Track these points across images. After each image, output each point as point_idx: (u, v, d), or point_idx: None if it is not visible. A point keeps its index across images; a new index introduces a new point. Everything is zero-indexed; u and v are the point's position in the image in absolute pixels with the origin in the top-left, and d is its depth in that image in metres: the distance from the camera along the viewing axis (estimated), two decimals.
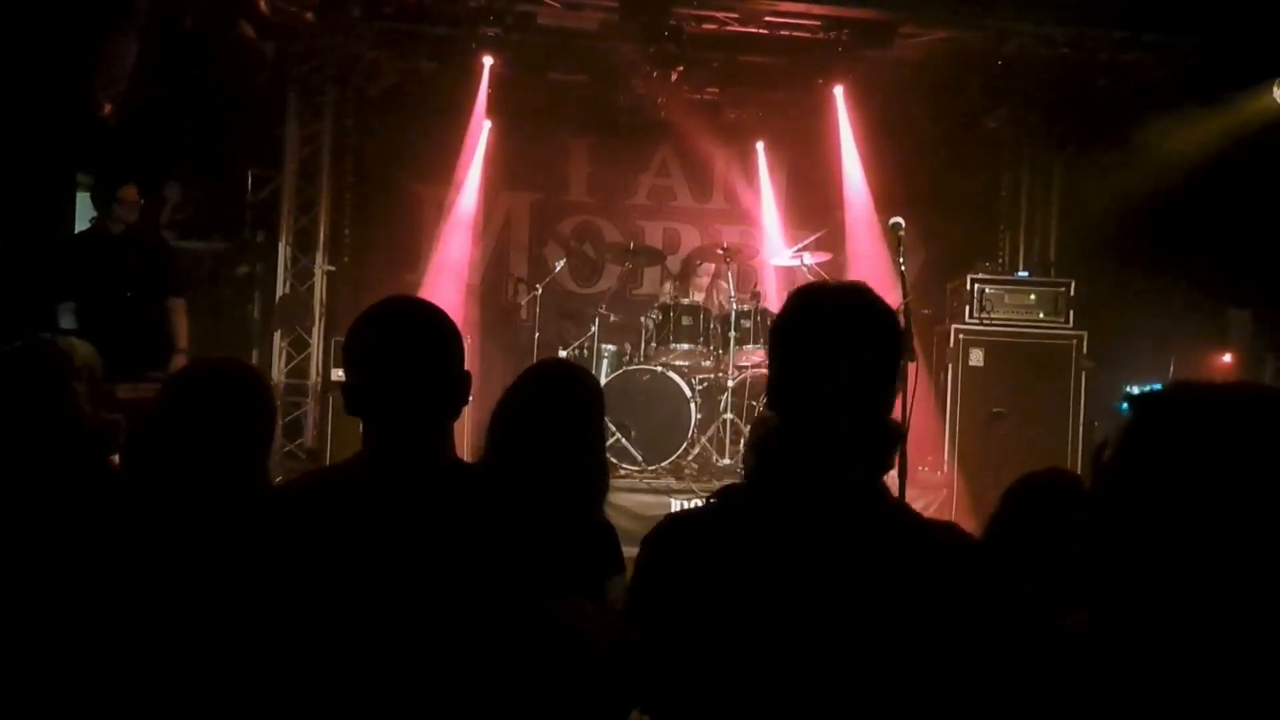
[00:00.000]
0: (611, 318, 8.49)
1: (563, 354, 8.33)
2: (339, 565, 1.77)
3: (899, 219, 6.48)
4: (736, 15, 8.20)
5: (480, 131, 9.24)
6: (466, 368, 2.00)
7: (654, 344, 8.24)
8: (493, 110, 9.09)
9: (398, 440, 1.88)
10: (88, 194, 6.58)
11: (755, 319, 8.15)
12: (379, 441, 1.90)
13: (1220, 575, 1.35)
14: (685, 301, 8.52)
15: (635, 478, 7.57)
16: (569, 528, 1.98)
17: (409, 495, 1.83)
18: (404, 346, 1.91)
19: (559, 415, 2.26)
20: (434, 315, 1.98)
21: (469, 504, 1.85)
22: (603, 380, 8.06)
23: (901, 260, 6.17)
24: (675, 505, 7.09)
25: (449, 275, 9.57)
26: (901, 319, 5.78)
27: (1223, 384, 1.51)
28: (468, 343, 3.13)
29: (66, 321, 5.98)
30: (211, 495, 2.06)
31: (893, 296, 5.82)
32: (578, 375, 2.44)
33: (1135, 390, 8.12)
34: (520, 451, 2.16)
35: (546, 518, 1.93)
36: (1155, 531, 1.39)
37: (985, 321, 8.09)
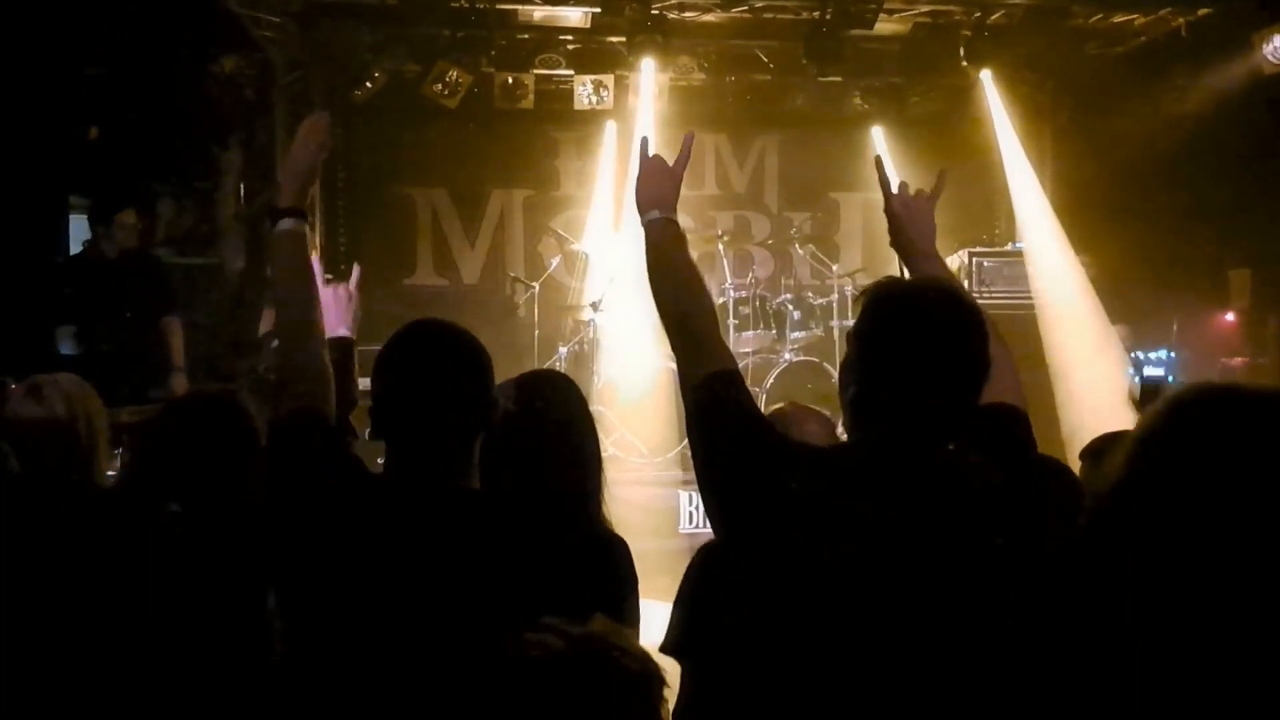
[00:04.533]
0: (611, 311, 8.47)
1: (562, 350, 8.33)
2: (342, 586, 1.77)
3: None
4: (718, 1, 8.18)
5: (468, 131, 9.22)
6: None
7: (655, 335, 8.22)
8: (479, 109, 9.08)
9: (416, 461, 1.89)
10: (82, 216, 6.56)
11: (754, 304, 8.13)
12: (399, 463, 1.92)
13: (1226, 577, 1.34)
14: None
15: (642, 470, 7.55)
16: (577, 546, 1.95)
17: (423, 519, 1.83)
18: (433, 368, 1.93)
19: (535, 427, 2.22)
20: (462, 339, 2.00)
21: (479, 529, 1.84)
22: (604, 374, 8.05)
23: None
24: (683, 496, 7.07)
25: (446, 277, 9.58)
26: None
27: (1246, 389, 1.47)
28: None
29: (66, 346, 5.96)
30: (202, 522, 2.09)
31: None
32: (553, 383, 2.39)
33: (1141, 356, 8.08)
34: (507, 470, 2.13)
35: (552, 537, 1.91)
36: (1166, 533, 1.37)
37: (985, 295, 8.05)
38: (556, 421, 2.24)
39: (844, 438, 1.98)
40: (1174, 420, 1.44)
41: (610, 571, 1.95)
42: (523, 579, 1.77)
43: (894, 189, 2.21)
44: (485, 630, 1.65)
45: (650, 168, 2.18)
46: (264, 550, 1.90)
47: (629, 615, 1.96)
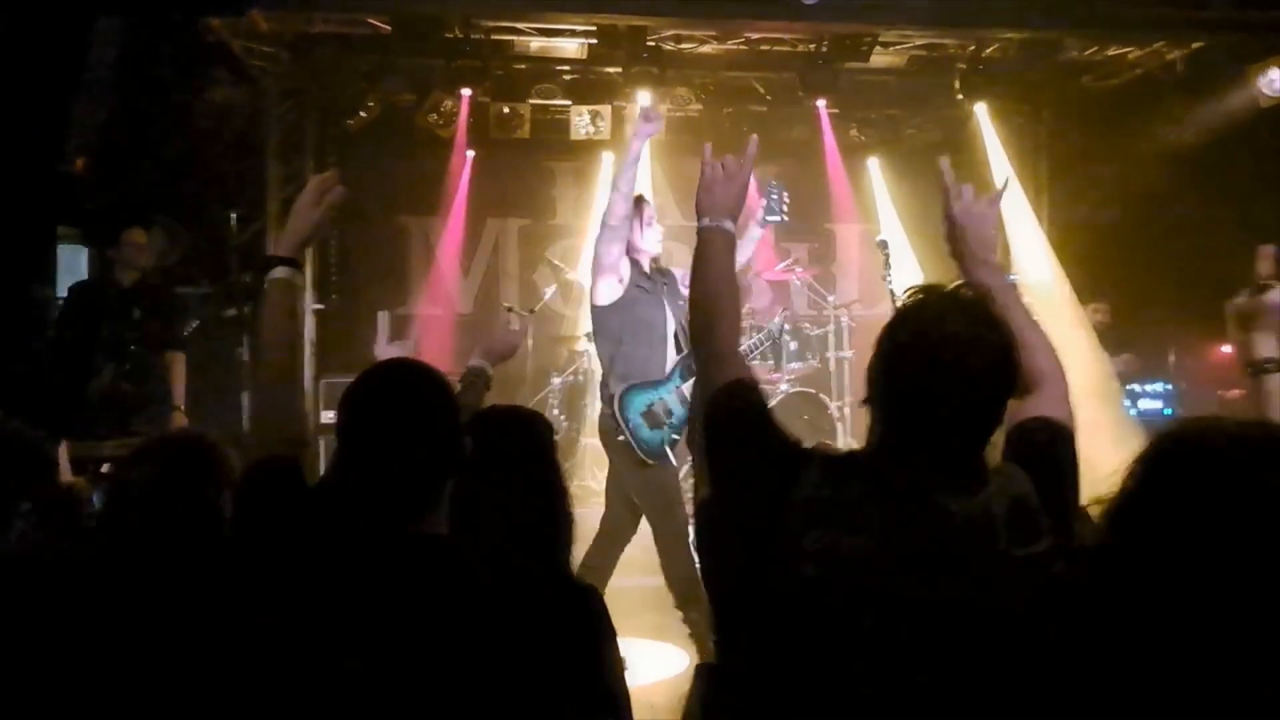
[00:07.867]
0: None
1: (556, 380, 8.26)
2: (296, 634, 1.72)
3: (884, 237, 6.52)
4: (714, 34, 8.20)
5: (464, 160, 9.22)
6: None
7: None
8: (475, 138, 9.07)
9: (377, 503, 1.84)
10: (71, 246, 6.50)
11: (749, 335, 8.06)
12: (361, 505, 1.87)
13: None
14: (683, 321, 8.44)
15: None
16: (546, 596, 1.89)
17: (380, 565, 1.77)
18: (395, 409, 1.89)
19: (500, 471, 2.17)
20: (427, 380, 1.95)
21: (435, 576, 1.79)
22: (598, 405, 7.96)
23: (890, 277, 6.15)
24: None
25: (440, 306, 9.53)
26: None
27: (1240, 427, 1.39)
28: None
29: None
30: (170, 568, 2.05)
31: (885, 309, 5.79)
32: (520, 422, 2.34)
33: (1137, 388, 8.05)
34: (473, 516, 2.06)
35: (520, 587, 1.85)
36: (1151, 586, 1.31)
37: None
38: (508, 467, 2.20)
39: None
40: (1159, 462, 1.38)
41: (581, 622, 1.88)
42: (477, 629, 1.72)
43: (957, 193, 2.18)
44: (441, 681, 1.61)
45: (712, 175, 2.20)
46: (228, 600, 1.85)
47: (608, 663, 1.89)
